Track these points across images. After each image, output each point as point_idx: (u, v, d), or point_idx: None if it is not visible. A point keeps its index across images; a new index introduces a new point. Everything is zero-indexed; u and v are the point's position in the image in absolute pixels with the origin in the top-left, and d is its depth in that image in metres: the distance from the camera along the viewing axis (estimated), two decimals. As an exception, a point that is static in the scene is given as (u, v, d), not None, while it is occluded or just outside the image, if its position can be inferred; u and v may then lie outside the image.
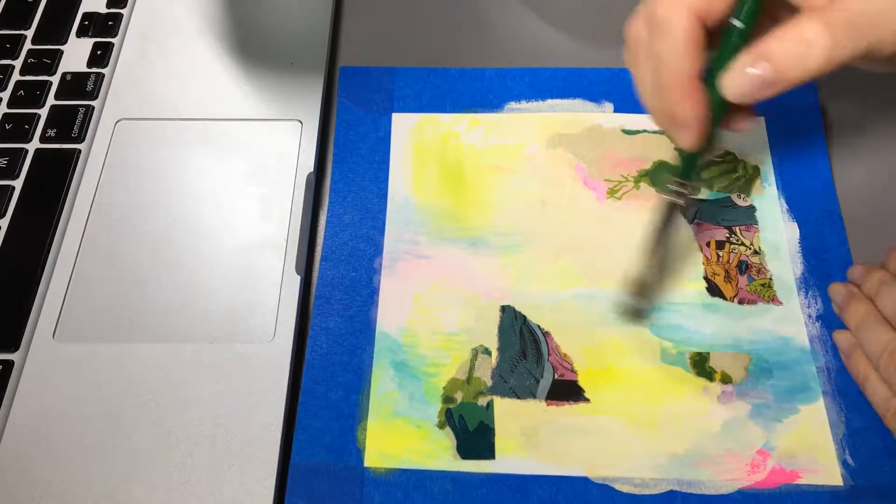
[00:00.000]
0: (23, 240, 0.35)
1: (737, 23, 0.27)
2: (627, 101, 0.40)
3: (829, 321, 0.34)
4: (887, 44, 0.26)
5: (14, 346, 0.33)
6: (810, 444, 0.31)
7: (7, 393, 0.31)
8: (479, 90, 0.40)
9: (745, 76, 0.26)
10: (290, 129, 0.39)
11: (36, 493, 0.29)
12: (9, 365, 0.32)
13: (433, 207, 0.37)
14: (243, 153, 0.38)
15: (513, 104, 0.40)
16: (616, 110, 0.39)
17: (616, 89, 0.40)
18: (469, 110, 0.40)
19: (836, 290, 0.34)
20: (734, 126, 0.30)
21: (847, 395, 0.32)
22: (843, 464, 0.31)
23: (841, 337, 0.33)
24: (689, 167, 0.30)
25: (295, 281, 0.34)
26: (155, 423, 0.31)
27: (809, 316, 0.34)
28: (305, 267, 0.35)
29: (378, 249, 0.36)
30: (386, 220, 0.37)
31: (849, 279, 0.35)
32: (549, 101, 0.40)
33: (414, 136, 0.39)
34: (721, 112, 0.28)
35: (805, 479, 0.31)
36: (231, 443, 0.30)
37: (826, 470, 0.31)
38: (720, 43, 0.27)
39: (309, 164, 0.37)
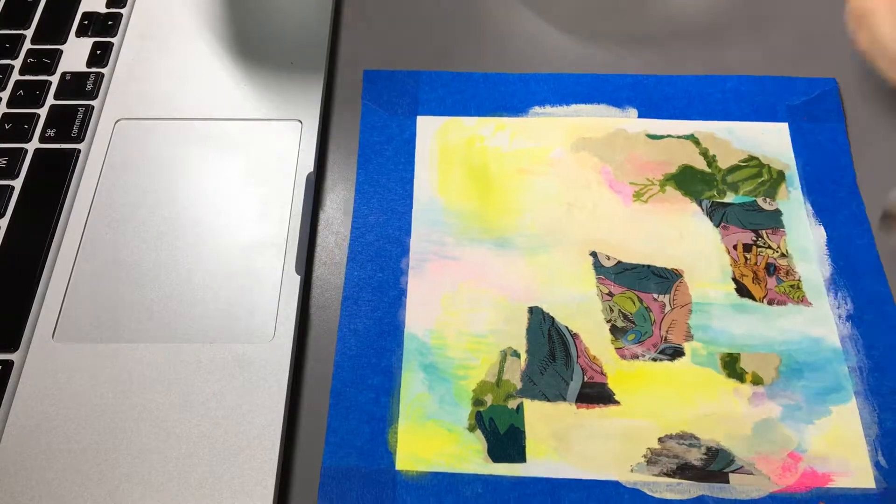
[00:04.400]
0: (22, 240, 0.35)
1: None
2: (651, 107, 0.40)
3: (859, 321, 0.34)
4: None
5: (14, 346, 0.33)
6: (843, 446, 0.31)
7: (7, 393, 0.31)
8: (504, 95, 0.40)
9: None
10: (289, 129, 0.39)
11: (36, 493, 0.29)
12: (8, 365, 0.32)
13: (459, 209, 0.37)
14: (243, 153, 0.38)
15: (537, 109, 0.40)
16: (640, 115, 0.40)
17: (640, 95, 0.40)
18: (494, 114, 0.40)
19: None
20: None
21: (880, 395, 0.32)
22: (877, 465, 0.31)
23: None
24: None
25: (294, 281, 0.34)
26: (155, 423, 0.31)
27: (840, 316, 0.34)
28: (305, 267, 0.35)
29: (405, 250, 0.36)
30: (412, 220, 0.37)
31: None
32: (574, 107, 0.40)
33: (439, 138, 0.39)
34: None
35: (837, 482, 0.30)
36: (231, 443, 0.30)
37: (859, 472, 0.30)
38: None
39: (308, 164, 0.37)
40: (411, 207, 0.37)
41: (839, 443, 0.31)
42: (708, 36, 0.43)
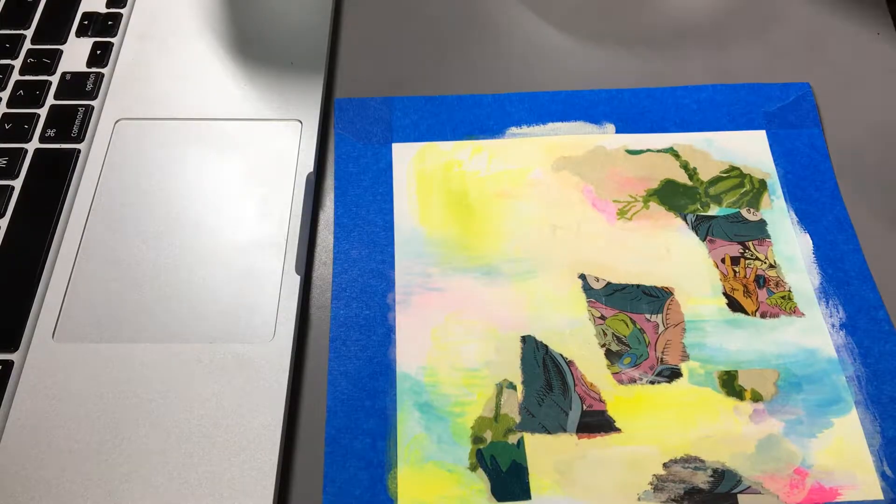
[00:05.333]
0: (23, 240, 0.35)
1: None
2: (629, 122, 0.40)
3: (853, 329, 0.34)
4: None
5: (14, 346, 0.33)
6: (847, 458, 0.31)
7: (7, 393, 0.31)
8: (479, 116, 0.40)
9: None
10: (289, 129, 0.39)
11: (36, 493, 0.29)
12: (8, 365, 0.32)
13: (442, 237, 0.36)
14: (243, 153, 0.38)
15: (514, 129, 0.39)
16: (618, 131, 0.39)
17: (616, 110, 0.40)
18: (470, 137, 0.39)
19: None
20: None
21: (880, 404, 0.32)
22: (882, 476, 0.30)
23: None
24: None
25: (295, 281, 0.34)
26: (155, 423, 0.31)
27: (833, 325, 0.34)
28: (305, 267, 0.35)
29: (390, 284, 0.35)
30: (395, 252, 0.36)
31: None
32: (550, 125, 0.40)
33: (416, 165, 0.38)
34: None
35: (845, 496, 0.30)
36: (231, 443, 0.30)
37: (865, 485, 0.30)
38: None
39: (309, 164, 0.37)
40: (393, 239, 0.36)
41: (844, 455, 0.31)
42: (678, 44, 0.44)
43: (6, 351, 0.33)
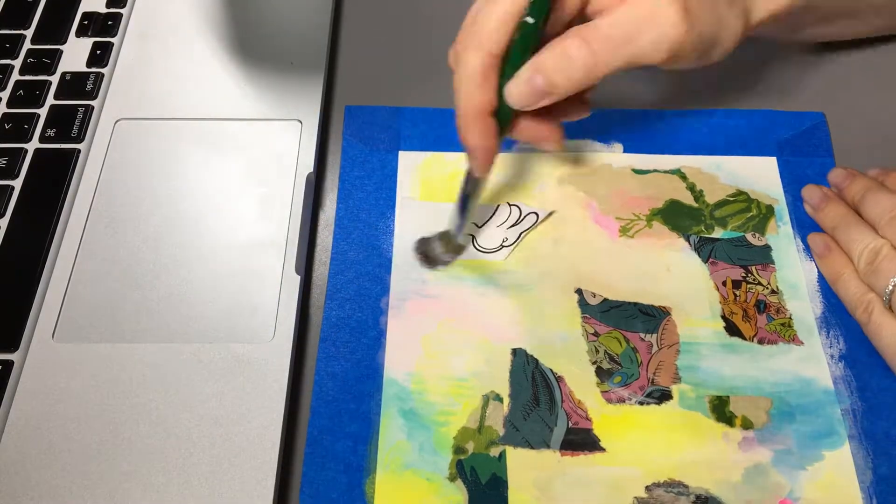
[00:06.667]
0: (22, 240, 0.35)
1: (529, 19, 0.28)
2: (637, 142, 0.39)
3: (852, 361, 0.33)
4: (647, 55, 0.28)
5: (14, 346, 0.33)
6: (836, 494, 0.30)
7: (7, 393, 0.31)
8: None
9: (524, 86, 0.28)
10: (289, 129, 0.39)
11: (36, 493, 0.29)
12: (8, 365, 0.32)
13: None
14: (243, 153, 0.38)
15: (522, 144, 0.39)
16: (626, 150, 0.39)
17: (625, 130, 0.39)
18: None
19: (812, 192, 0.35)
20: (542, 145, 0.32)
21: (874, 439, 0.31)
22: None
23: (816, 238, 0.35)
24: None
25: (294, 281, 0.34)
26: (155, 423, 0.31)
27: (832, 356, 0.33)
28: (305, 267, 0.35)
29: (385, 288, 0.35)
30: (393, 257, 0.35)
31: (830, 183, 0.37)
32: None
33: (421, 173, 0.38)
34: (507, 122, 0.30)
35: None
36: (231, 443, 0.30)
37: None
38: (511, 46, 0.28)
39: (309, 164, 0.37)
40: (392, 244, 0.36)
41: (832, 490, 0.30)
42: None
43: (6, 351, 0.33)
